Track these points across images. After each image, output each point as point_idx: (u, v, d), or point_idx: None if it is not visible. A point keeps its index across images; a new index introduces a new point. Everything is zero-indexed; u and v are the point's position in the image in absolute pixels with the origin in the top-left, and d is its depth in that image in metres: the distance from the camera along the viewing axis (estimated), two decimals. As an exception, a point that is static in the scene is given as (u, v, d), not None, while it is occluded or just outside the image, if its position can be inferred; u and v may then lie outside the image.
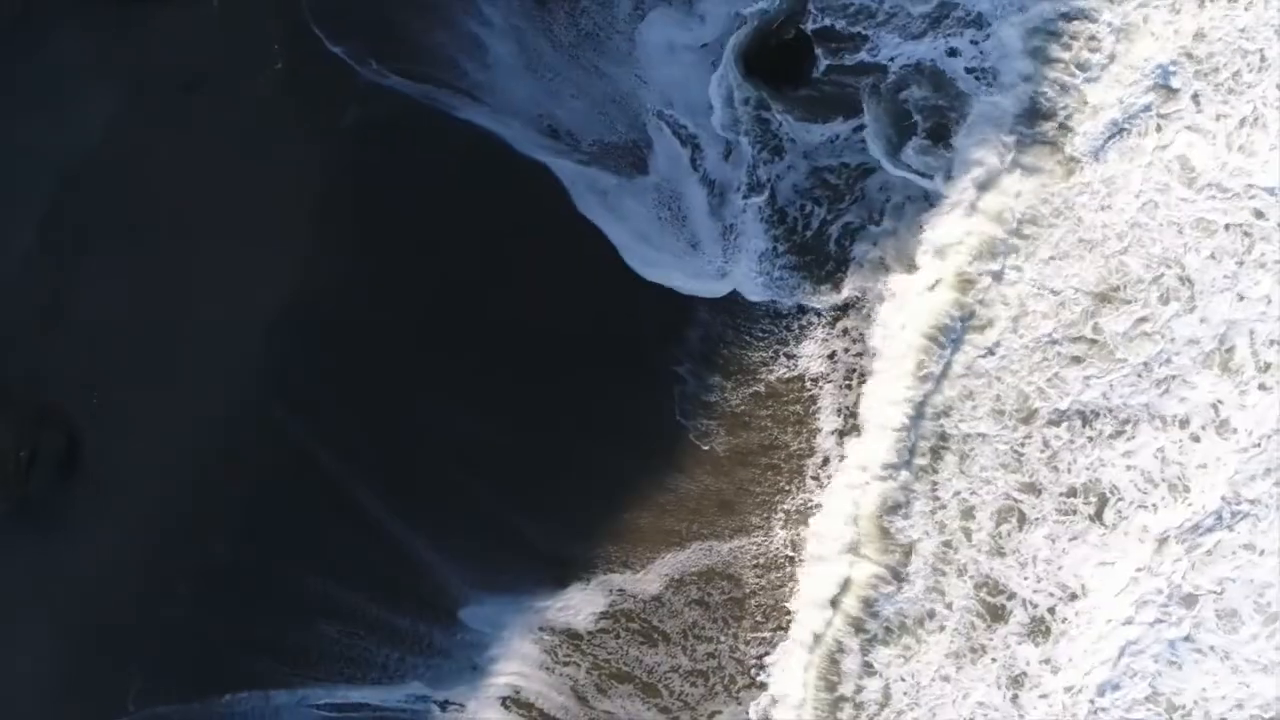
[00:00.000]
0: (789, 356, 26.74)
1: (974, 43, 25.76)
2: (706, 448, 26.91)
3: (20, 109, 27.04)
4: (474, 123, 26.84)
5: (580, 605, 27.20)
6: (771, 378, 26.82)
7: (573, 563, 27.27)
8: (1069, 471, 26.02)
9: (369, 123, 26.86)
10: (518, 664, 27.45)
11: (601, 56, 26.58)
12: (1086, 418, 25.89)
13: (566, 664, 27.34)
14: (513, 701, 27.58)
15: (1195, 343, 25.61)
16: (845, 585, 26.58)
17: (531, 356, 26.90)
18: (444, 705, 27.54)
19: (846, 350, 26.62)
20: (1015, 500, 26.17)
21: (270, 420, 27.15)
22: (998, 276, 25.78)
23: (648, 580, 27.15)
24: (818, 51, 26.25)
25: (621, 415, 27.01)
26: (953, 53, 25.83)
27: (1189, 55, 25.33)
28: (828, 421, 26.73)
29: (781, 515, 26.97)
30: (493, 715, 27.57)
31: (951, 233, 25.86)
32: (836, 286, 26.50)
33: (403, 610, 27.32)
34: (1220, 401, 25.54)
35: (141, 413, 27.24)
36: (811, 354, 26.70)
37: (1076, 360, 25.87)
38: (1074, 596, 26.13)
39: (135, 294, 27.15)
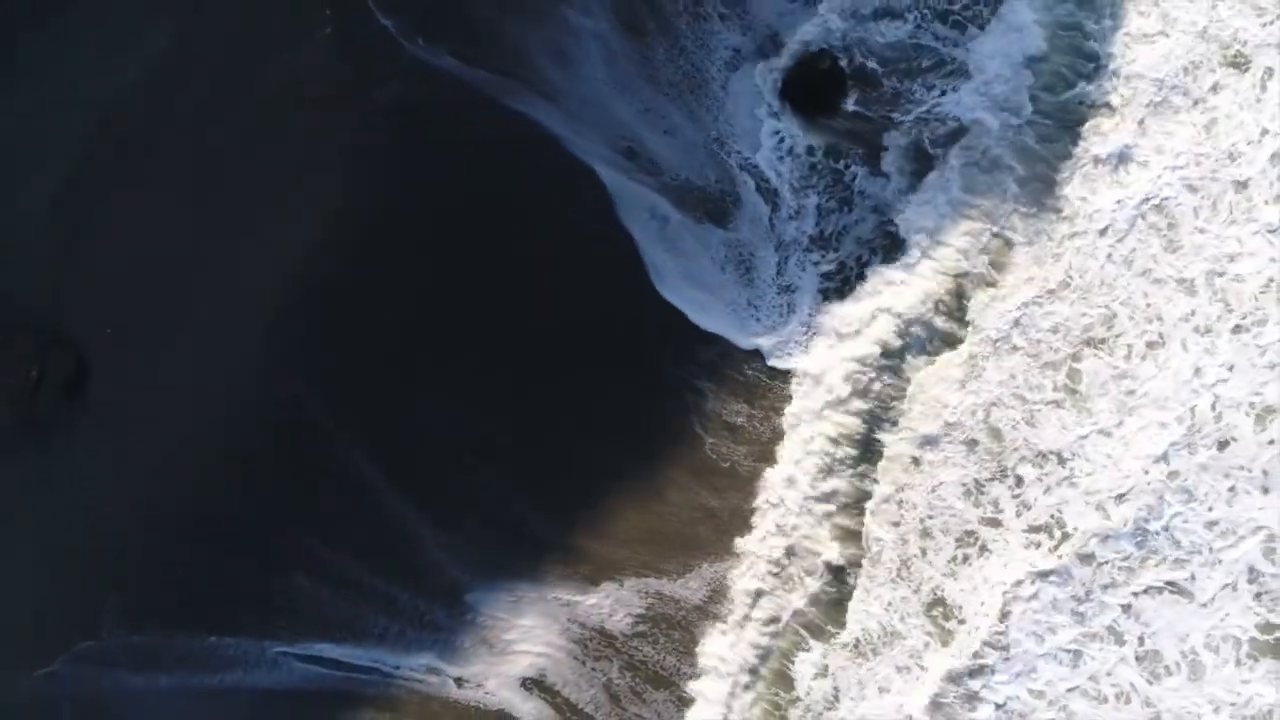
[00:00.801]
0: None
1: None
2: (726, 465, 27.21)
3: (64, 44, 27.18)
4: (527, 116, 26.86)
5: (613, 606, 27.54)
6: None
7: (605, 563, 27.49)
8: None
9: (408, 100, 26.84)
10: (542, 648, 27.67)
11: (698, 100, 26.61)
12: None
13: (599, 659, 27.58)
14: (534, 684, 27.77)
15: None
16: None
17: (542, 356, 27.17)
18: (459, 681, 27.73)
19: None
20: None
21: (278, 381, 27.33)
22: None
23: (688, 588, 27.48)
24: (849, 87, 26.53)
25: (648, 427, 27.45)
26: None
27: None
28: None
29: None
30: (512, 696, 27.81)
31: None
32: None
33: (399, 583, 27.59)
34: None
35: (151, 352, 27.47)
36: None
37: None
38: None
39: (159, 238, 27.32)
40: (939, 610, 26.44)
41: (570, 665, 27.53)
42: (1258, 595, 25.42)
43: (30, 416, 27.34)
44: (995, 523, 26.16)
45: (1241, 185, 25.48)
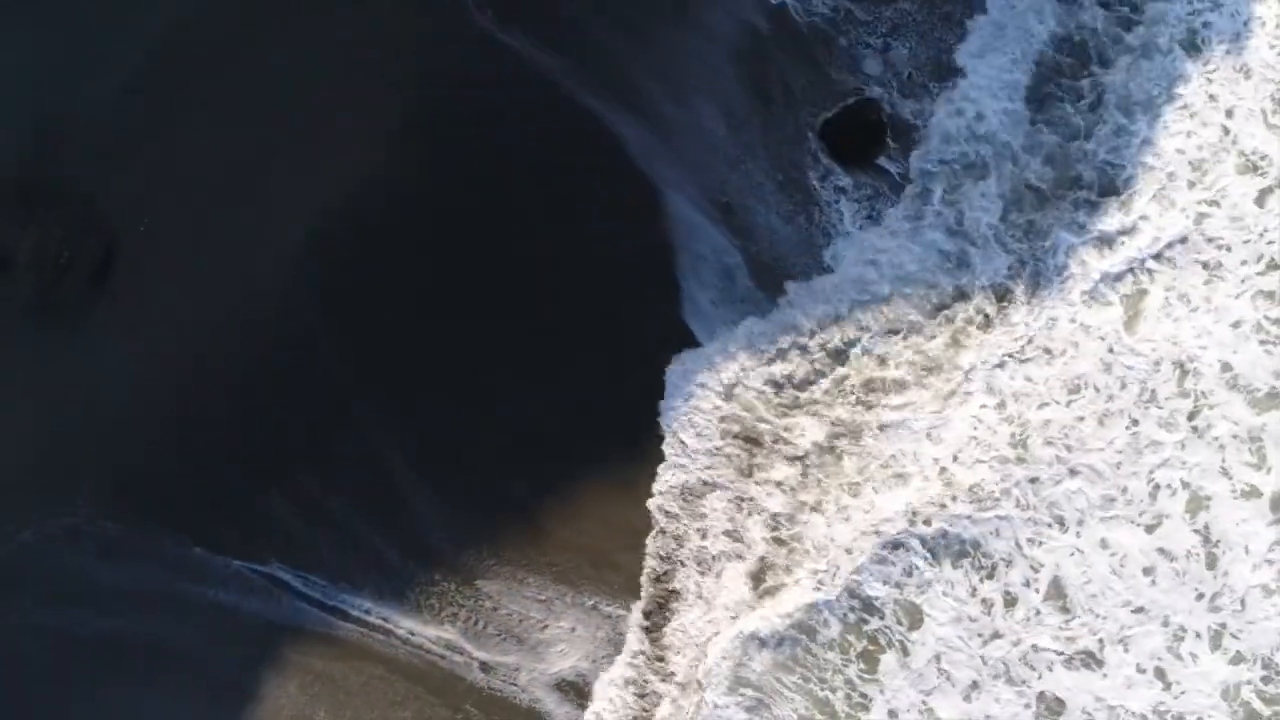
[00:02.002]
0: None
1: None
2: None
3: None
4: (594, 115, 27.36)
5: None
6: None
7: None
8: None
9: (472, 71, 27.37)
10: (579, 653, 28.01)
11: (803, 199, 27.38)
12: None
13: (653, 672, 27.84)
14: (571, 687, 28.06)
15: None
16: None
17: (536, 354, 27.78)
18: (485, 666, 28.14)
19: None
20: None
21: (297, 310, 27.80)
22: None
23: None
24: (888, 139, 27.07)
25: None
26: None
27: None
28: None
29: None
30: (545, 696, 28.19)
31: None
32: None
33: (386, 537, 28.22)
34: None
35: (179, 257, 27.86)
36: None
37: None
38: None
39: (209, 150, 27.70)
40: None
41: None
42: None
43: (54, 295, 27.82)
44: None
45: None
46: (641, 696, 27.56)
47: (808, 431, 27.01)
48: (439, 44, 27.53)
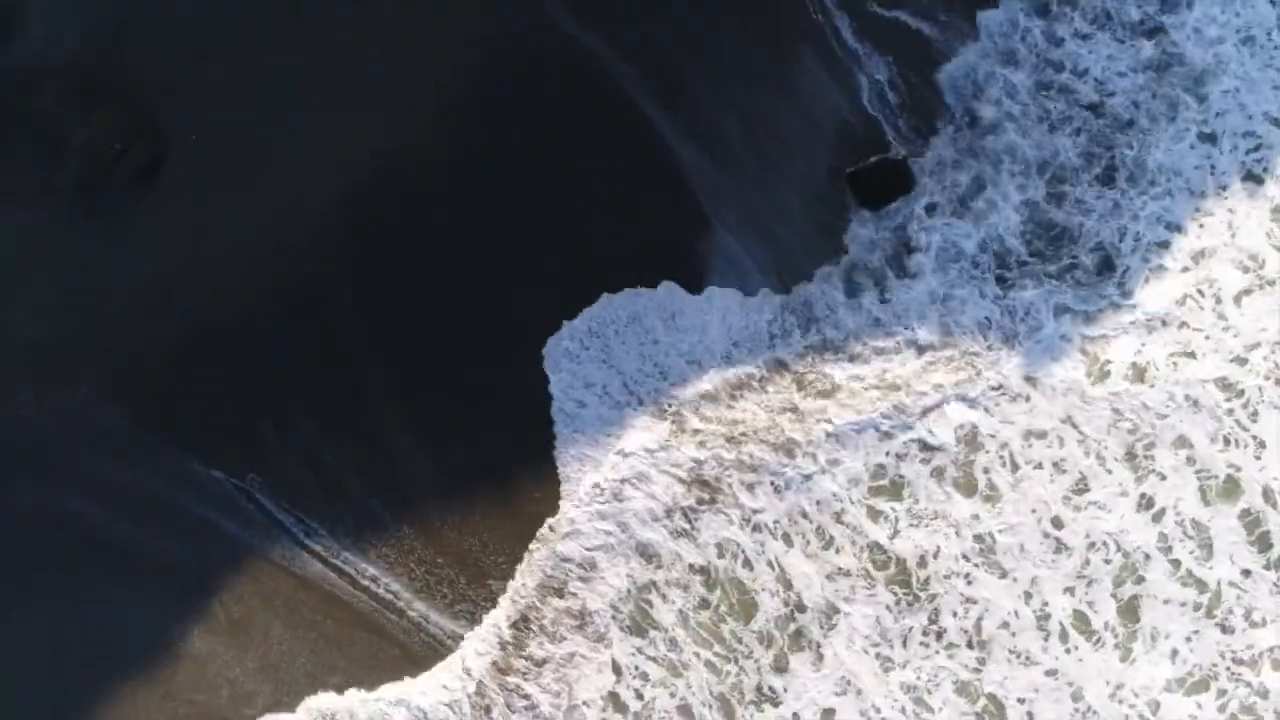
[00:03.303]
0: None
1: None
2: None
3: None
4: (648, 118, 27.90)
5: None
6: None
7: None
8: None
9: (533, 58, 27.86)
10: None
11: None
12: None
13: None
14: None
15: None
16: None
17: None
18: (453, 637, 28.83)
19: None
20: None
21: (328, 249, 28.25)
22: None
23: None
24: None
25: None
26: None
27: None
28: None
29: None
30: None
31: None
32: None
33: (380, 497, 28.86)
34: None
35: (223, 174, 28.37)
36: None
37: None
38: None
39: (271, 74, 28.20)
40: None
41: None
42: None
43: (98, 186, 28.43)
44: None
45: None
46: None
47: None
48: (507, 26, 28.13)
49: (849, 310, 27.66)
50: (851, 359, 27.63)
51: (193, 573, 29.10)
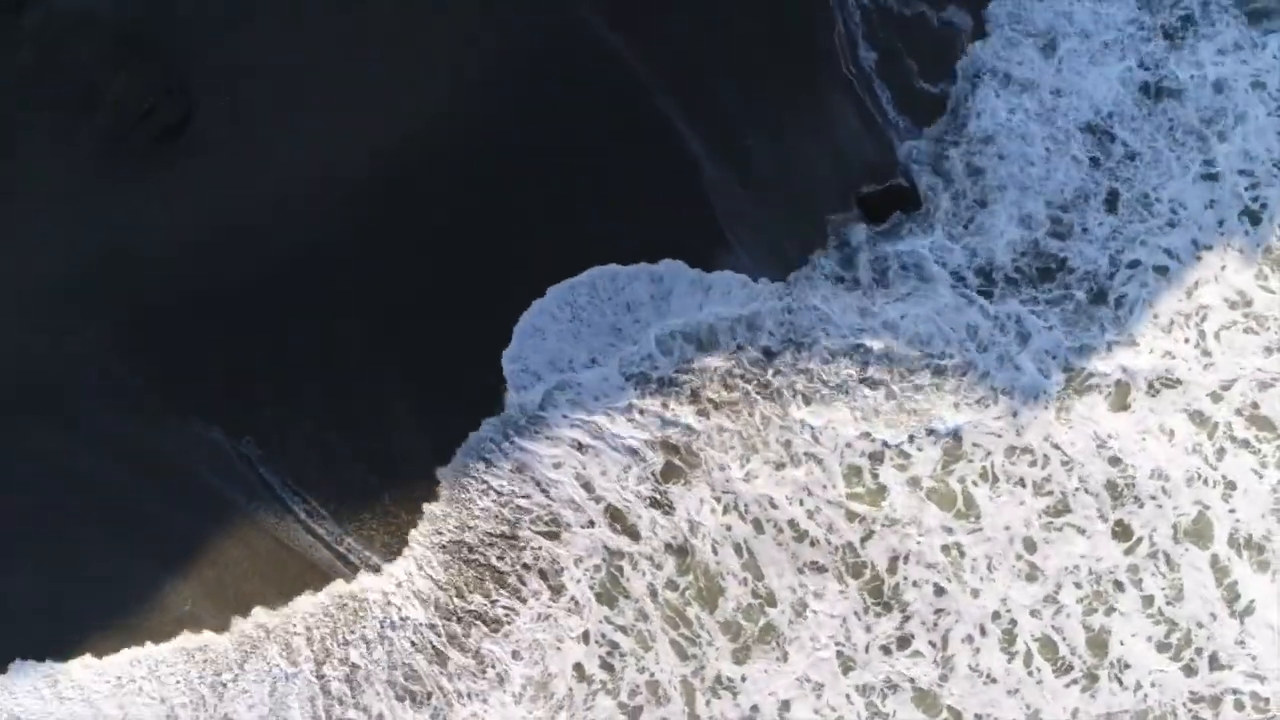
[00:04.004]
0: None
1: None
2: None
3: None
4: (648, 118, 28.15)
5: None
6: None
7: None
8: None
9: (534, 58, 28.07)
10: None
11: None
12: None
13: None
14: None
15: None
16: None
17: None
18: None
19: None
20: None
21: (350, 224, 28.45)
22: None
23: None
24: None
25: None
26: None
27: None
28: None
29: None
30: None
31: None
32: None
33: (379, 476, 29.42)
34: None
35: (250, 140, 28.53)
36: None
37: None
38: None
39: (303, 47, 28.41)
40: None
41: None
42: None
43: (128, 137, 28.71)
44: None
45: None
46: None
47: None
48: (507, 26, 28.39)
49: (839, 317, 28.03)
50: (837, 364, 28.01)
51: (183, 529, 29.78)
